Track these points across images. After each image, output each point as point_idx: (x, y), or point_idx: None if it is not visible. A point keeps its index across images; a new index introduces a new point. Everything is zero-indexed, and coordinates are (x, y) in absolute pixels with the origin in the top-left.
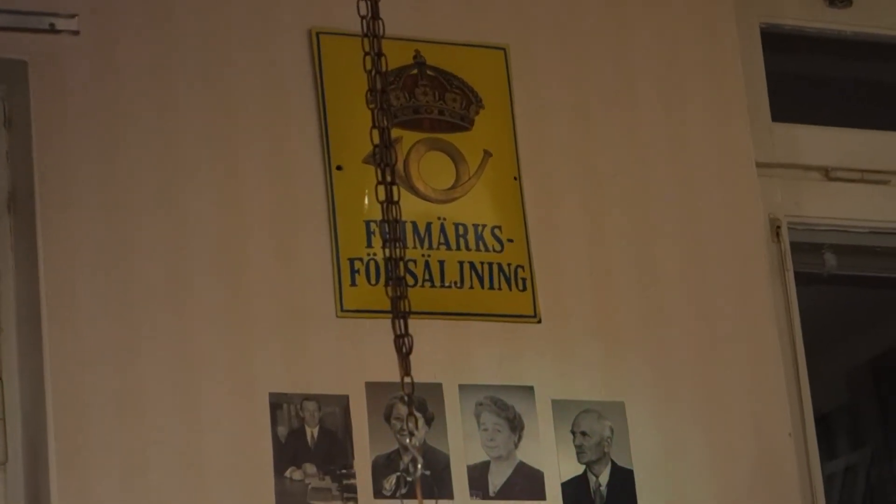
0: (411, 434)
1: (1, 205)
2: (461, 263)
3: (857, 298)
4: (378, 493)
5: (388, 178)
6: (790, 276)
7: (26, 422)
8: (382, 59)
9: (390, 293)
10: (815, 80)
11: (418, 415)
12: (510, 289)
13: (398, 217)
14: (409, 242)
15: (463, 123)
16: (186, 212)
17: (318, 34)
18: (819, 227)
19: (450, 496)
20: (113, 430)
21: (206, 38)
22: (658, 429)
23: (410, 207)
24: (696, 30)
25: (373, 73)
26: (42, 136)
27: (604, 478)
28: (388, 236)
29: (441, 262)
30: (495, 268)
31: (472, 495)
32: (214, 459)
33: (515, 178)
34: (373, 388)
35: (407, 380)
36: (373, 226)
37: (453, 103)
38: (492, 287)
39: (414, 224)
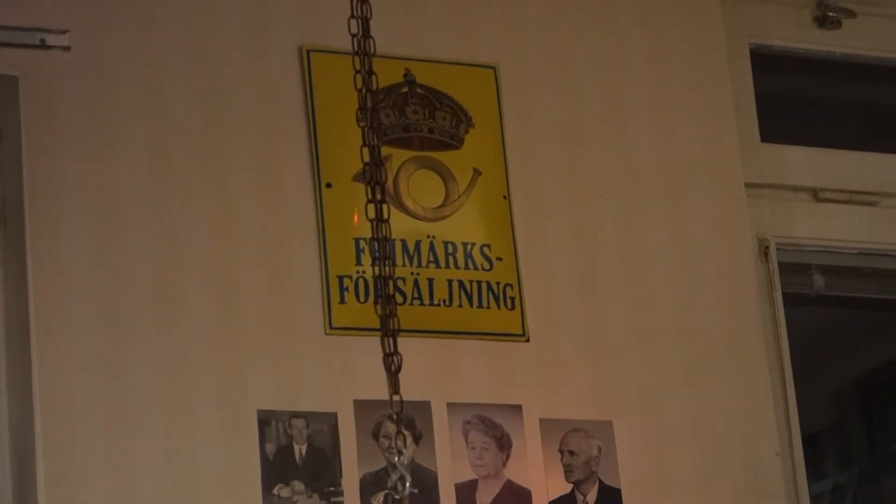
0: (399, 452)
1: None
2: (450, 282)
3: (846, 319)
4: None
5: (378, 196)
6: (778, 296)
7: (14, 435)
8: (373, 77)
9: (379, 311)
10: (804, 100)
11: (406, 433)
12: (499, 307)
13: (388, 235)
14: (399, 260)
15: (452, 142)
16: (177, 227)
17: (308, 51)
18: (807, 247)
19: None
20: (101, 445)
21: (197, 54)
22: (646, 448)
23: (400, 225)
24: (685, 49)
25: (363, 91)
26: (32, 151)
27: (591, 496)
28: (377, 254)
29: (430, 280)
30: (484, 286)
31: None
32: (203, 475)
33: (505, 197)
34: (361, 406)
35: (396, 398)
36: (362, 243)
37: (443, 122)
38: (480, 306)
39: (403, 242)
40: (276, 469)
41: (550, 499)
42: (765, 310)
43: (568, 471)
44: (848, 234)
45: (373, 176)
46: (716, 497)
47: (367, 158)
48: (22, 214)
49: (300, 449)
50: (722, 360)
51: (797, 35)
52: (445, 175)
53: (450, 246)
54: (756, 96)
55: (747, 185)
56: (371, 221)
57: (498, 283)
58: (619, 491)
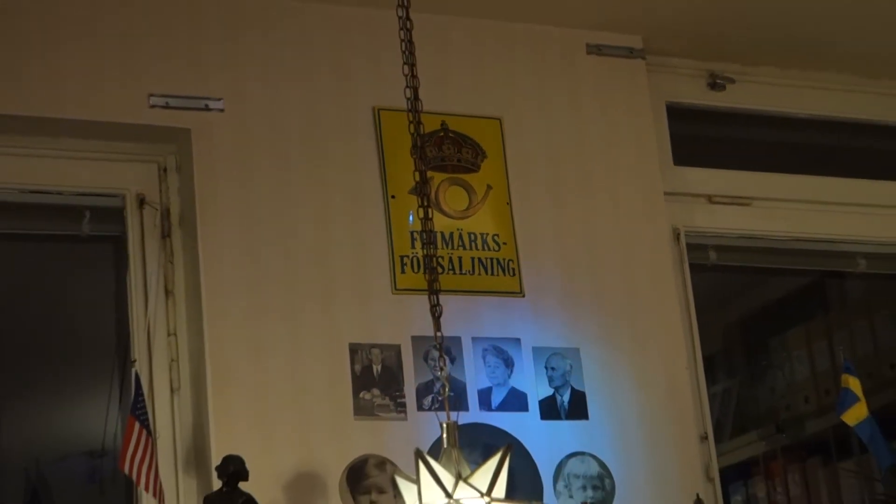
0: (441, 369)
1: (175, 223)
2: (473, 259)
3: (730, 280)
4: (420, 408)
5: (425, 204)
6: (686, 266)
7: (192, 362)
8: (420, 126)
9: (427, 278)
10: (701, 138)
11: (445, 357)
12: (504, 275)
13: (432, 229)
14: (439, 245)
15: (473, 168)
16: (294, 231)
17: (379, 110)
18: (705, 234)
19: (466, 409)
20: (249, 372)
21: (303, 112)
22: (601, 366)
23: (439, 223)
24: (624, 108)
25: (415, 135)
26: (200, 180)
27: (566, 397)
28: (425, 241)
29: (459, 258)
30: (494, 261)
31: (480, 408)
32: (316, 385)
33: (507, 203)
34: (416, 340)
35: (438, 334)
36: (415, 234)
37: (467, 154)
38: (492, 274)
39: (441, 233)
40: (361, 381)
41: (539, 398)
42: (678, 275)
43: (550, 380)
44: (731, 224)
45: (421, 190)
46: (647, 397)
47: (417, 179)
48: (194, 224)
49: (377, 368)
50: (650, 310)
51: (696, 95)
52: (469, 189)
53: (472, 235)
54: (671, 136)
55: (665, 194)
56: (421, 220)
57: (503, 259)
58: (584, 393)
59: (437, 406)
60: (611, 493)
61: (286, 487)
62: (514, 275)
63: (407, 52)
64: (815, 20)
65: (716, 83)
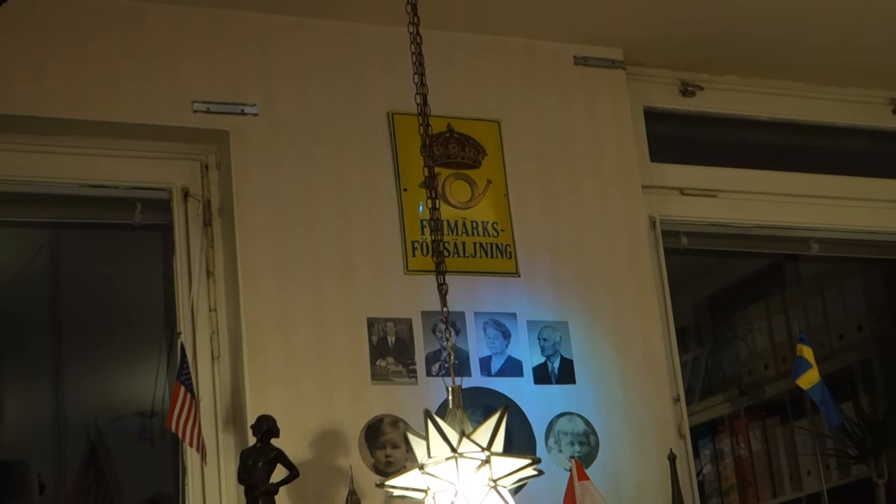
0: (447, 340)
1: (215, 213)
2: (475, 244)
3: (700, 262)
4: (429, 374)
5: (433, 196)
6: (661, 250)
7: (230, 334)
8: (429, 127)
9: (434, 260)
10: (674, 138)
11: (451, 329)
12: (502, 258)
13: (439, 217)
14: (445, 232)
15: (475, 164)
16: (319, 217)
17: (393, 114)
18: (677, 222)
19: (469, 375)
20: (279, 342)
21: (328, 115)
22: (587, 337)
23: (445, 212)
24: (607, 112)
25: (424, 135)
26: (237, 175)
27: (556, 364)
28: (433, 228)
29: (463, 243)
30: (493, 246)
31: (481, 374)
32: (338, 355)
33: (505, 195)
34: (425, 315)
35: (444, 309)
36: (424, 222)
37: (470, 152)
38: (492, 257)
39: (447, 221)
40: (378, 350)
41: (533, 365)
42: (653, 258)
43: (543, 349)
44: (700, 214)
45: (430, 184)
46: (626, 363)
47: (426, 174)
48: (232, 214)
49: (391, 339)
50: (629, 288)
51: (669, 100)
52: (471, 183)
53: (474, 223)
54: (647, 136)
55: (643, 187)
56: (430, 210)
57: (501, 244)
58: (571, 361)
59: (443, 372)
60: (595, 448)
61: (312, 443)
62: (510, 258)
63: (417, 64)
64: (773, 36)
65: (686, 90)
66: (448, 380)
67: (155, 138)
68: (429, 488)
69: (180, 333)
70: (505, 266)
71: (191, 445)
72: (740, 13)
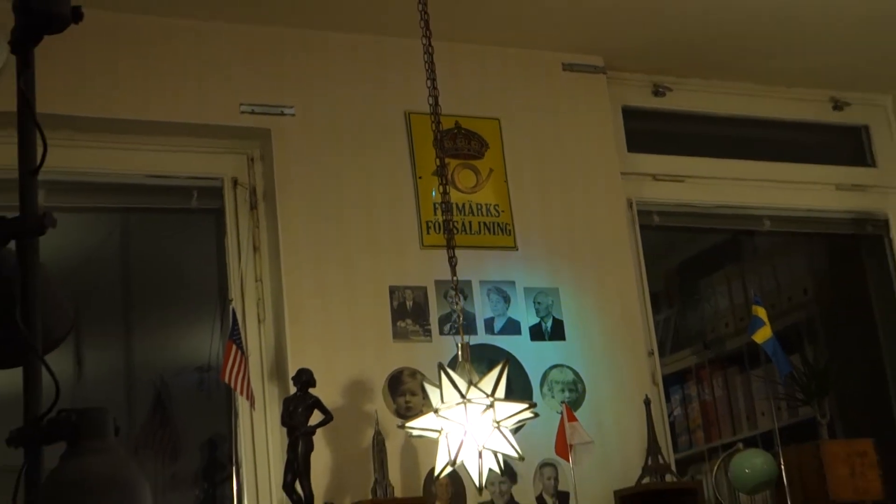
0: (457, 304)
1: (260, 199)
2: (480, 223)
3: (670, 237)
4: (441, 333)
5: (444, 182)
6: (637, 227)
7: (273, 301)
8: (440, 124)
9: (445, 237)
10: (648, 132)
11: (460, 295)
12: (503, 234)
13: (449, 201)
14: (454, 213)
15: (479, 156)
16: (348, 201)
17: (409, 113)
18: (651, 203)
19: (475, 333)
20: (315, 307)
21: (354, 115)
22: (575, 301)
23: (454, 196)
24: (590, 110)
25: (436, 131)
26: (279, 165)
27: (549, 324)
28: (444, 209)
29: (469, 222)
30: (495, 224)
31: (485, 333)
32: (365, 318)
33: (505, 182)
34: (438, 283)
35: (454, 278)
36: (436, 205)
37: (475, 145)
38: (493, 234)
39: (456, 204)
40: (398, 313)
41: (529, 325)
42: (630, 234)
43: (537, 311)
44: (670, 196)
45: (441, 172)
46: (607, 322)
47: (438, 164)
48: (274, 199)
49: (409, 304)
50: (610, 259)
51: (644, 100)
52: (476, 171)
53: (479, 206)
54: (625, 130)
55: (622, 174)
56: (441, 194)
57: (502, 223)
58: (562, 321)
59: (453, 331)
60: (582, 395)
61: (343, 391)
62: (510, 234)
63: (429, 70)
64: (731, 44)
65: (658, 91)
66: (457, 338)
67: (208, 136)
68: (442, 429)
69: (231, 300)
70: (505, 241)
71: (241, 394)
72: (703, 26)
